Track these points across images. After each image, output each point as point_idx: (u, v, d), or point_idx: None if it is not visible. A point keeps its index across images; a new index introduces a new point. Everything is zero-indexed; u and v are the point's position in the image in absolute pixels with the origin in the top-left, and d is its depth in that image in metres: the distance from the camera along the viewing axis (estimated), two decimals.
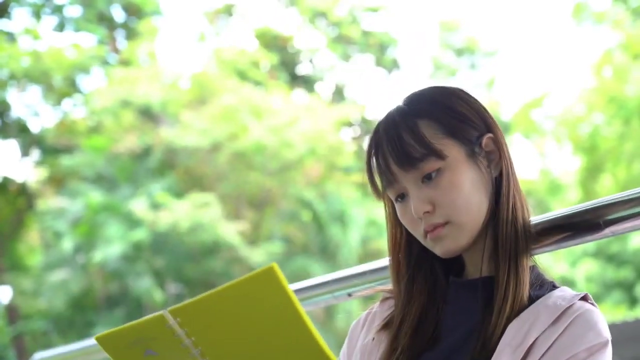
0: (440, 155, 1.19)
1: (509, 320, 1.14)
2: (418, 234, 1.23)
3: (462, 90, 1.27)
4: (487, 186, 1.22)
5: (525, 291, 1.17)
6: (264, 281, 0.86)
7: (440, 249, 1.21)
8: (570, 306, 1.14)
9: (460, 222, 1.19)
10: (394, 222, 1.30)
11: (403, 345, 1.23)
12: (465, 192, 1.19)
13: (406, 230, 1.27)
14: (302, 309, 0.87)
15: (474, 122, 1.23)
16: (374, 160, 1.25)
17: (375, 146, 1.24)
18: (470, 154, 1.21)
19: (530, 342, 1.11)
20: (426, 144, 1.19)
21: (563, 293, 1.17)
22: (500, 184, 1.22)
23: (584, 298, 1.16)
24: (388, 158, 1.21)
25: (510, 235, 1.20)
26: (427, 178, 1.19)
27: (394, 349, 1.24)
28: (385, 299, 1.36)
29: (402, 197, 1.23)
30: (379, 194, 1.28)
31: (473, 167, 1.21)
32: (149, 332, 0.94)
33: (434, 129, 1.20)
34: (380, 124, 1.26)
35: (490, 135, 1.23)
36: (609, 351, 1.11)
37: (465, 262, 1.27)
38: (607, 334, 1.12)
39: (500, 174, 1.23)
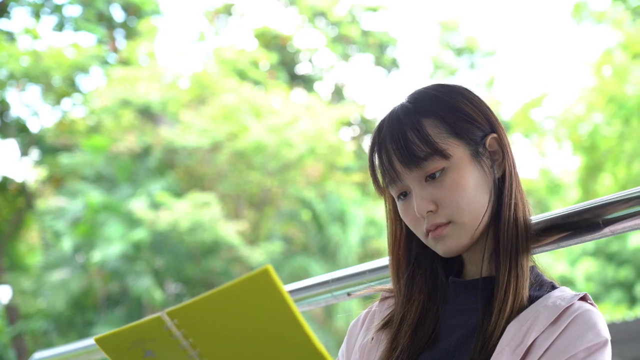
0: (444, 155, 1.18)
1: (509, 320, 1.14)
2: (419, 232, 1.23)
3: (467, 89, 1.27)
4: (490, 186, 1.21)
5: (525, 291, 1.17)
6: (258, 283, 0.86)
7: (441, 248, 1.21)
8: (570, 306, 1.13)
9: (463, 222, 1.19)
10: (394, 219, 1.29)
11: (403, 344, 1.23)
12: (469, 192, 1.18)
13: (406, 226, 1.26)
14: (297, 310, 0.87)
15: (478, 122, 1.22)
16: (377, 157, 1.25)
17: (379, 143, 1.24)
18: (474, 154, 1.20)
19: (530, 342, 1.11)
20: (431, 144, 1.18)
21: (562, 293, 1.17)
22: (502, 185, 1.22)
23: (583, 298, 1.16)
24: (392, 156, 1.21)
25: (511, 235, 1.19)
26: (431, 177, 1.19)
27: (393, 348, 1.24)
28: (385, 298, 1.36)
29: (404, 194, 1.23)
30: (380, 191, 1.28)
31: (477, 167, 1.20)
32: (148, 334, 0.94)
33: (438, 128, 1.20)
34: (384, 121, 1.25)
35: (494, 135, 1.23)
36: (608, 351, 1.11)
37: (465, 261, 1.27)
38: (606, 334, 1.11)
39: (503, 174, 1.23)
